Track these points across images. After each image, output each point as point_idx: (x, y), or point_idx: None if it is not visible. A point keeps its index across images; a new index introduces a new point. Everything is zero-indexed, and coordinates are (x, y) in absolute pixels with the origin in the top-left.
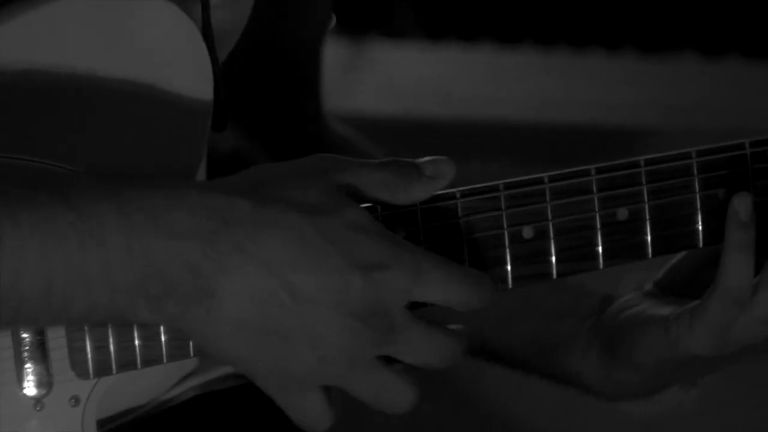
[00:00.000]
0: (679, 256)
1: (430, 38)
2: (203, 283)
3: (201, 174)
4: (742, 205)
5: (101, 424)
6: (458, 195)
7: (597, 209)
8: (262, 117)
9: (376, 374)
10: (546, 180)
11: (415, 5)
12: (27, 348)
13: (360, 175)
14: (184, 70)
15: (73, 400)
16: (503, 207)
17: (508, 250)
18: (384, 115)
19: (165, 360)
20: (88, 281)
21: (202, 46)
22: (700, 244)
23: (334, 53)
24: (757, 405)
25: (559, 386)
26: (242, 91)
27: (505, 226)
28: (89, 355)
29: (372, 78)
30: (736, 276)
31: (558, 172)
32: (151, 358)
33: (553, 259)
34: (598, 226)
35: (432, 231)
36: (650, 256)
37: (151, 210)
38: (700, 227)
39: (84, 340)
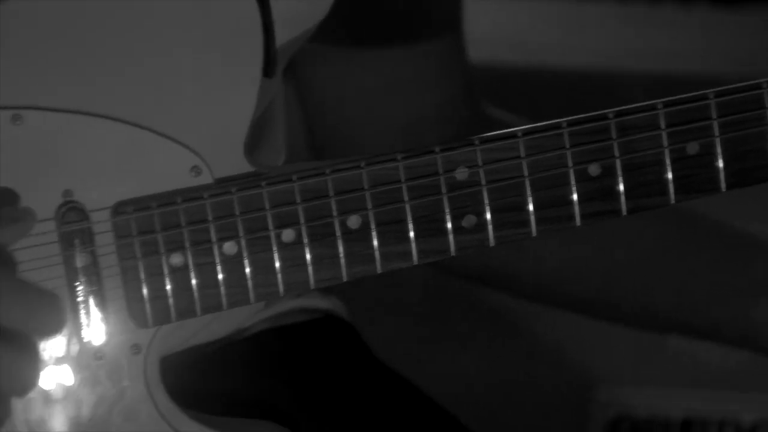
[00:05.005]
0: None
1: None
2: None
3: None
4: None
5: (165, 359)
6: (520, 134)
7: (666, 144)
8: None
9: None
10: (611, 116)
11: None
12: (83, 299)
13: None
14: (232, 14)
15: (134, 349)
16: (567, 145)
17: (574, 188)
18: None
19: (225, 307)
20: None
21: None
22: None
23: None
24: None
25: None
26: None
27: (570, 164)
28: (147, 305)
29: None
30: None
31: (623, 107)
32: (211, 306)
33: (622, 196)
34: (668, 161)
35: (494, 171)
36: (723, 189)
37: None
38: None
39: (141, 290)
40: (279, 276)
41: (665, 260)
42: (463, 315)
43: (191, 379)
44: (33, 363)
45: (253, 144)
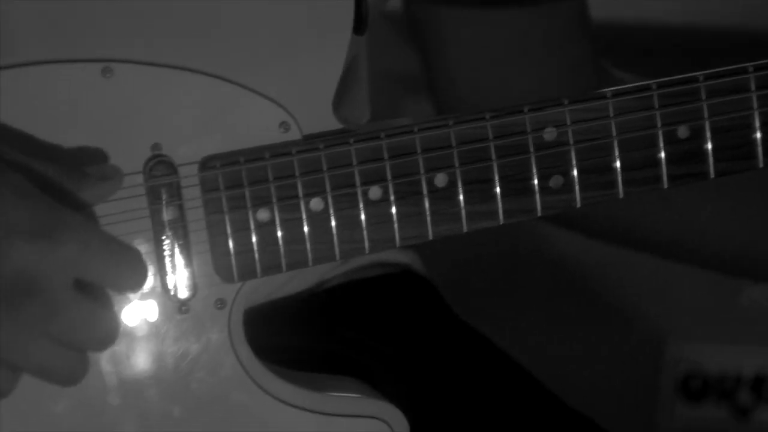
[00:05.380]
0: None
1: None
2: None
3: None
4: None
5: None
6: (609, 95)
7: (756, 107)
8: None
9: (37, 350)
10: (701, 79)
11: None
12: (170, 253)
13: (29, 162)
14: None
15: (218, 303)
16: (656, 106)
17: (662, 150)
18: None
19: (310, 263)
20: None
21: None
22: None
23: None
24: None
25: None
26: None
27: (658, 125)
28: (233, 260)
29: None
30: None
31: (713, 70)
32: (296, 262)
33: (711, 158)
34: (757, 124)
35: (582, 131)
36: None
37: None
38: None
39: (227, 245)
40: (365, 233)
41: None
42: (535, 269)
43: (269, 333)
44: (112, 319)
45: (339, 101)
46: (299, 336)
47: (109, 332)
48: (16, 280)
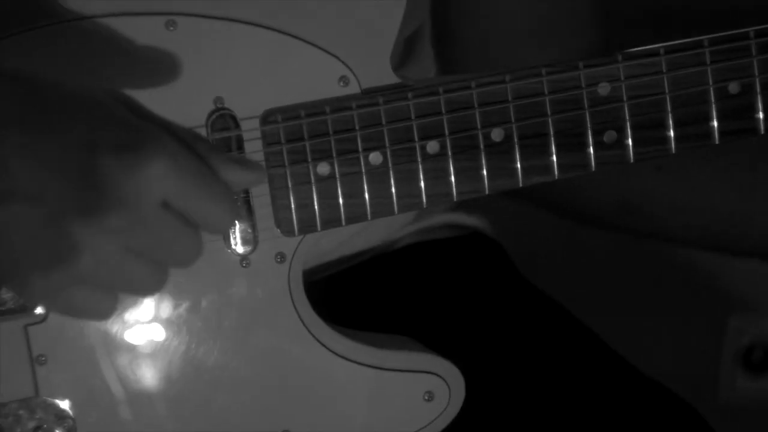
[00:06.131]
0: None
1: None
2: None
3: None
4: None
5: (311, 272)
6: (662, 51)
7: None
8: None
9: (120, 264)
10: (752, 35)
11: None
12: None
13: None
14: None
15: (278, 257)
16: (708, 62)
17: (714, 106)
18: None
19: (369, 217)
20: None
21: None
22: None
23: None
24: None
25: None
26: None
27: (710, 82)
28: (294, 213)
29: None
30: None
31: (764, 26)
32: (355, 216)
33: (761, 114)
34: None
35: (635, 86)
36: None
37: None
38: None
39: (288, 198)
40: (422, 187)
41: None
42: (599, 241)
43: (334, 290)
44: (196, 238)
45: (405, 61)
46: (362, 294)
47: (192, 251)
48: (100, 193)
